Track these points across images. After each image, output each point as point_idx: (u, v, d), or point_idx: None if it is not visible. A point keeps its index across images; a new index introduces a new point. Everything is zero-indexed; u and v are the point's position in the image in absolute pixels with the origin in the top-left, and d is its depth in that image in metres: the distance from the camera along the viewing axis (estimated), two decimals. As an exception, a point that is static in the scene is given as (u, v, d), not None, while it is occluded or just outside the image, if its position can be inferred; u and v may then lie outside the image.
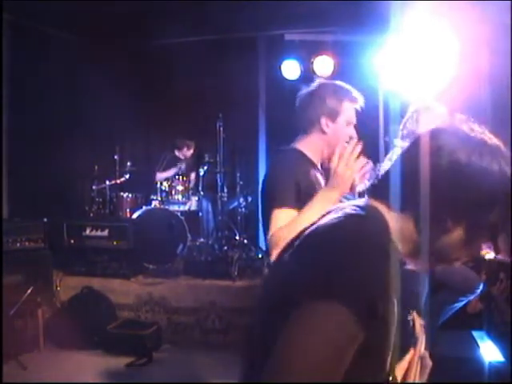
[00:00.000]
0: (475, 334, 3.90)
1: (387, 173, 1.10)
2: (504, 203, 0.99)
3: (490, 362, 3.38)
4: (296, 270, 0.93)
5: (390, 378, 1.09)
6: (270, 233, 1.96)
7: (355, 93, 2.19)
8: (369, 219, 0.98)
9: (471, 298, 3.56)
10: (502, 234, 1.02)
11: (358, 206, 1.02)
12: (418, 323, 1.39)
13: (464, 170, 0.98)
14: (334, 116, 2.13)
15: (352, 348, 0.86)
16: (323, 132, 2.15)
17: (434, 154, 0.99)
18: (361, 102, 2.20)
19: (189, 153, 6.60)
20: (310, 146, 2.18)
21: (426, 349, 1.34)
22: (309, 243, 0.97)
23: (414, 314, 1.40)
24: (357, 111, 2.21)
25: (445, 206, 0.98)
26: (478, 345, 3.68)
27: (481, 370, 3.32)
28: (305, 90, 2.20)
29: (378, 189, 1.09)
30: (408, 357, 1.31)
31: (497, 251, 1.06)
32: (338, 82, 2.20)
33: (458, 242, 1.01)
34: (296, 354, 0.84)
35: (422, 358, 1.30)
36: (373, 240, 0.92)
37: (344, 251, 0.89)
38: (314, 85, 2.19)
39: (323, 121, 2.13)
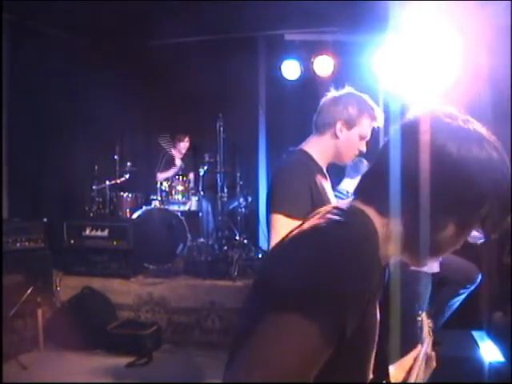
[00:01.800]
0: (475, 334, 3.90)
1: (372, 172, 1.06)
2: (494, 192, 0.96)
3: (490, 362, 3.38)
4: (273, 276, 0.91)
5: (384, 382, 1.09)
6: (271, 241, 1.96)
7: (377, 112, 2.22)
8: (350, 227, 0.94)
9: (472, 288, 3.58)
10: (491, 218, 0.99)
11: (342, 210, 0.99)
12: (427, 326, 1.38)
13: (455, 164, 0.94)
14: (350, 124, 2.16)
15: (320, 358, 0.84)
16: (336, 136, 2.17)
17: (423, 150, 0.96)
18: (380, 122, 2.22)
19: (184, 146, 6.57)
20: (319, 147, 2.19)
21: (433, 350, 1.34)
22: (288, 249, 0.95)
23: (424, 315, 1.40)
24: (373, 129, 2.24)
25: (438, 204, 0.95)
26: (477, 345, 3.68)
27: (481, 370, 3.32)
28: (331, 94, 2.23)
29: (362, 190, 1.06)
30: (413, 353, 1.31)
31: (487, 235, 1.05)
32: (365, 96, 2.22)
33: (450, 236, 0.99)
34: (258, 357, 0.81)
35: (428, 358, 1.30)
36: (352, 250, 0.88)
37: (319, 261, 0.86)
38: (342, 90, 2.22)
39: (339, 125, 2.16)
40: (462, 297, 3.58)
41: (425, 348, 1.32)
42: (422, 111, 1.03)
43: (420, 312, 1.43)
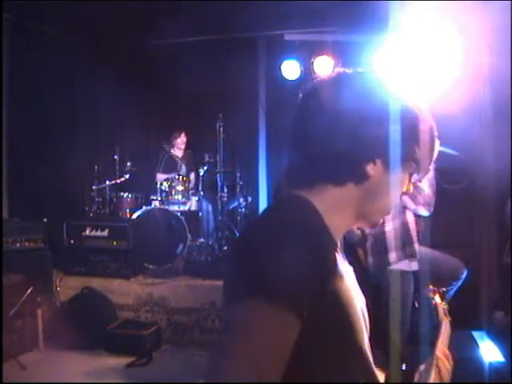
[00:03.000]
0: (475, 334, 3.90)
1: (293, 153, 1.08)
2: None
3: (490, 362, 3.38)
4: (229, 270, 0.96)
5: (404, 366, 1.09)
6: None
7: None
8: (288, 210, 0.98)
9: (458, 284, 3.58)
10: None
11: (278, 200, 1.04)
12: (441, 307, 1.39)
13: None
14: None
15: (286, 340, 0.85)
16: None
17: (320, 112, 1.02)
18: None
19: (181, 142, 6.56)
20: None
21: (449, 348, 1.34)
22: (238, 245, 1.00)
23: (437, 296, 1.41)
24: None
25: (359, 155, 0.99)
26: (477, 345, 3.68)
27: (481, 370, 3.32)
28: None
29: (292, 174, 1.07)
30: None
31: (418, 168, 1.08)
32: None
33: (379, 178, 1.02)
34: (229, 350, 0.84)
35: (441, 361, 1.29)
36: (293, 232, 0.91)
37: (265, 248, 0.89)
38: None
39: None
40: (450, 294, 3.58)
41: (442, 332, 1.32)
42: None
43: (432, 290, 1.45)
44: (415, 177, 1.07)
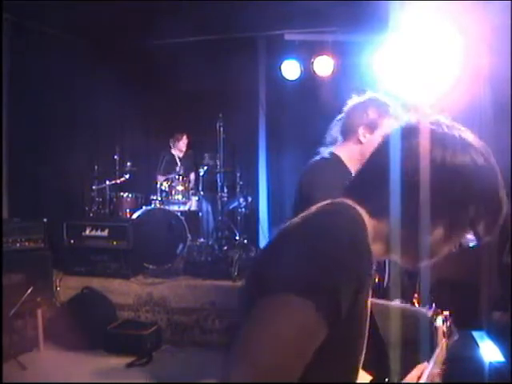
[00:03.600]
0: (475, 334, 3.89)
1: (360, 174, 1.09)
2: (481, 197, 0.99)
3: (490, 362, 3.38)
4: (266, 262, 0.94)
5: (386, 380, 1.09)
6: None
7: (398, 110, 2.22)
8: (340, 214, 0.97)
9: None
10: (482, 222, 1.02)
11: (333, 203, 1.03)
12: (442, 329, 1.39)
13: (440, 170, 0.97)
14: (372, 128, 2.19)
15: (313, 343, 0.85)
16: (360, 142, 2.20)
17: (409, 155, 0.99)
18: (403, 119, 2.24)
19: (183, 145, 6.58)
20: (346, 153, 2.22)
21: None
22: (281, 240, 0.98)
23: (439, 318, 1.41)
24: None
25: (427, 208, 0.98)
26: (477, 345, 3.68)
27: (481, 370, 3.32)
28: (352, 100, 2.27)
29: (353, 189, 1.08)
30: (418, 371, 1.31)
31: (478, 238, 1.05)
32: (385, 98, 2.24)
33: (439, 239, 1.01)
34: (254, 345, 0.82)
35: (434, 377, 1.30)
36: (340, 235, 0.91)
37: (310, 246, 0.89)
38: (363, 96, 2.25)
39: (361, 130, 2.19)
40: None
41: (436, 354, 1.32)
42: (411, 118, 1.08)
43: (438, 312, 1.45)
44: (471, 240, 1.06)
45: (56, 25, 5.80)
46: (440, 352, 1.37)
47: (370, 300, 1.03)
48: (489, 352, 3.55)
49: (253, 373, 0.79)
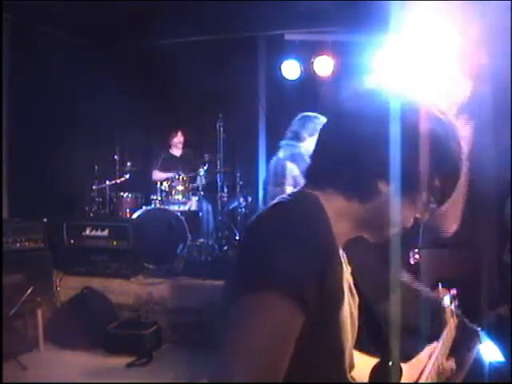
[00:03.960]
0: (475, 333, 3.89)
1: (318, 158, 1.08)
2: (445, 167, 1.00)
3: (490, 362, 3.38)
4: (235, 266, 0.96)
5: (391, 363, 1.09)
6: None
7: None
8: (297, 204, 0.98)
9: None
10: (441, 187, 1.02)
11: (289, 195, 1.03)
12: (449, 309, 1.39)
13: (407, 139, 0.97)
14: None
15: (292, 333, 0.87)
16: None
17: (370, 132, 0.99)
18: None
19: (179, 141, 6.55)
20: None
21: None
22: (243, 238, 1.01)
23: (446, 298, 1.41)
24: None
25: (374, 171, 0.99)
26: (477, 345, 3.68)
27: (481, 370, 3.32)
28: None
29: (312, 174, 1.08)
30: (428, 350, 1.31)
31: (438, 203, 1.05)
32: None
33: (406, 209, 1.02)
34: (238, 343, 0.85)
35: (443, 370, 1.29)
36: (299, 225, 0.92)
37: (270, 240, 0.90)
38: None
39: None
40: None
41: (445, 336, 1.31)
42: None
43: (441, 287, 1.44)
44: (433, 206, 1.04)
45: (56, 25, 5.80)
46: (449, 331, 1.36)
47: (349, 275, 1.04)
48: (489, 352, 3.55)
49: (240, 378, 0.81)
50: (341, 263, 1.03)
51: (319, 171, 1.05)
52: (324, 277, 0.90)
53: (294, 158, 3.85)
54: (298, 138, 3.98)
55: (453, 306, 1.42)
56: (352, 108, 1.03)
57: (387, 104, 1.00)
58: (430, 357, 1.30)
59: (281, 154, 4.06)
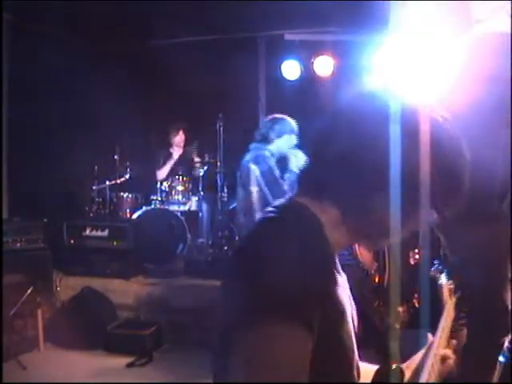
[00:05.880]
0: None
1: (310, 169, 1.06)
2: (444, 175, 0.96)
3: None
4: (227, 295, 0.97)
5: (394, 366, 1.09)
6: None
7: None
8: (289, 223, 0.95)
9: None
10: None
11: (277, 207, 1.00)
12: (447, 288, 1.36)
13: (407, 150, 0.94)
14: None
15: (307, 355, 0.85)
16: None
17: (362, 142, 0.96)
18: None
19: (180, 140, 6.55)
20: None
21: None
22: (237, 261, 0.98)
23: (443, 277, 1.37)
24: None
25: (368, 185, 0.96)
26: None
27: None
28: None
29: (304, 185, 1.05)
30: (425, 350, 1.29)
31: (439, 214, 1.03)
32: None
33: (402, 219, 0.99)
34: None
35: (443, 357, 1.28)
36: (296, 247, 0.89)
37: (270, 266, 0.87)
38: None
39: None
40: None
41: (445, 316, 1.28)
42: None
43: (438, 268, 1.41)
44: (433, 215, 1.01)
45: (56, 25, 5.80)
46: (447, 314, 1.32)
47: (344, 281, 1.04)
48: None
49: None
50: (338, 272, 1.02)
51: (315, 179, 1.02)
52: (327, 295, 0.90)
53: (257, 160, 4.11)
54: (265, 139, 4.15)
55: (450, 284, 1.36)
56: (350, 112, 1.01)
57: (387, 108, 0.97)
58: (430, 349, 1.28)
59: (247, 156, 4.28)
